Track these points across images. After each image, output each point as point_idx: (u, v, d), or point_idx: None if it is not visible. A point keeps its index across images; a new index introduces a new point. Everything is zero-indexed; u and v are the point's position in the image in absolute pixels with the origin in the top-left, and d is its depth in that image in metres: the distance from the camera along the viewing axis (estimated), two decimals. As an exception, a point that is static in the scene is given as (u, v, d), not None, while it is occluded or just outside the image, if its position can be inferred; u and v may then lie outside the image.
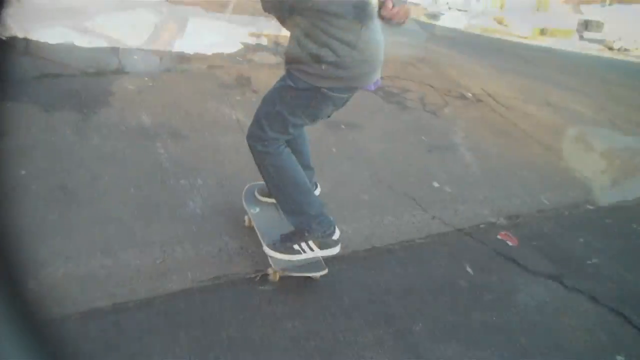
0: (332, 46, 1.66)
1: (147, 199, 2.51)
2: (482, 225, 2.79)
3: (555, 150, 4.32)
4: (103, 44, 4.33)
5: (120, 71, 3.87)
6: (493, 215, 2.93)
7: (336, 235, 2.04)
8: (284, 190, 1.97)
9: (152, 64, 4.14)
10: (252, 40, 5.69)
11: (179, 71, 4.15)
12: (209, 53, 4.78)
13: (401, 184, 3.17)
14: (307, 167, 2.18)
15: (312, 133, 3.59)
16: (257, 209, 2.34)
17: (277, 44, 5.84)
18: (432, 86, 5.17)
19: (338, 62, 1.69)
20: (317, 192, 2.47)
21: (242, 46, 5.28)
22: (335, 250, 2.06)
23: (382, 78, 2.04)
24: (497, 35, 23.99)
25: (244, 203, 2.37)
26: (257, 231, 2.18)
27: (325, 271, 2.05)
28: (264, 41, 5.80)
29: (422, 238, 2.57)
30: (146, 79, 3.85)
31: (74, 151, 2.82)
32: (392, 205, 2.86)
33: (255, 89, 4.13)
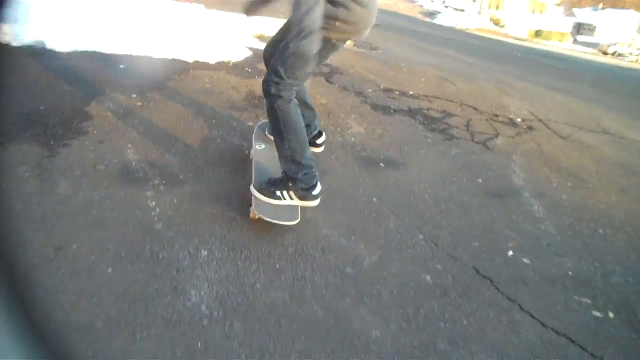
0: (347, 6, 2.02)
1: (130, 287, 1.84)
2: (590, 326, 2.14)
3: (633, 195, 3.71)
4: (80, 47, 3.64)
5: (101, 86, 3.18)
6: (598, 307, 2.27)
7: (317, 190, 2.35)
8: (285, 136, 2.25)
9: (142, 77, 3.46)
10: (260, 45, 5.02)
11: (176, 86, 3.47)
12: (212, 62, 4.11)
13: (466, 251, 2.52)
14: (305, 105, 2.55)
15: (348, 177, 2.95)
16: (263, 146, 2.67)
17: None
18: (476, 109, 4.54)
19: (350, 19, 2.06)
20: (322, 139, 2.82)
21: (251, 53, 4.61)
22: (314, 204, 2.37)
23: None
24: (495, 37, 23.68)
25: (253, 138, 2.70)
26: (253, 169, 2.49)
27: (297, 221, 2.30)
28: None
29: (518, 351, 1.91)
30: (134, 96, 3.18)
31: (31, 205, 2.14)
32: (463, 291, 2.20)
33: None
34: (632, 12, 54.28)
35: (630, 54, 34.34)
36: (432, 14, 33.89)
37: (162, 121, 3.00)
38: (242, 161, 2.80)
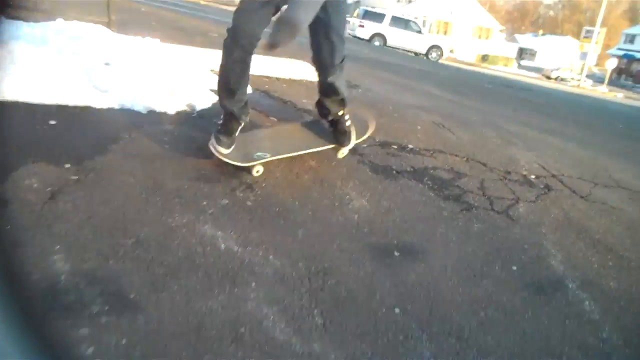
0: None
1: None
2: None
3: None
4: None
5: (23, 152, 2.47)
6: None
7: None
8: None
9: (79, 137, 2.77)
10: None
11: (125, 149, 2.79)
12: (171, 111, 3.44)
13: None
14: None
15: (358, 276, 2.28)
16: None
17: (266, 93, 4.57)
18: (485, 165, 4.05)
19: None
20: None
21: (218, 98, 3.96)
22: None
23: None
24: (448, 62, 24.68)
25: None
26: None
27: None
28: (248, 89, 4.51)
29: None
30: (68, 166, 2.48)
31: None
32: None
33: (252, 180, 2.83)
34: (569, 39, 58.51)
35: (572, 78, 37.03)
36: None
37: (106, 203, 2.30)
38: (218, 262, 2.14)
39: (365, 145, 3.76)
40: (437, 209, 3.14)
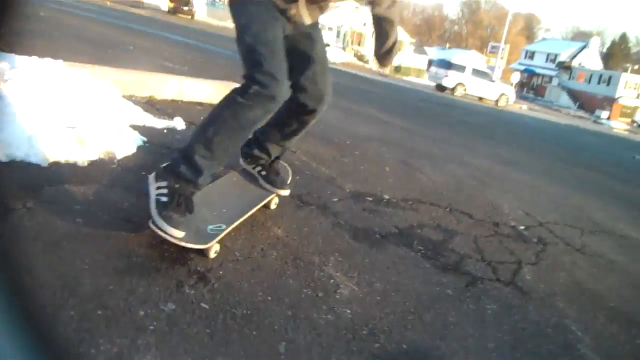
0: None
1: None
2: None
3: None
4: None
5: None
6: None
7: None
8: None
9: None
10: (154, 121, 3.70)
11: (17, 227, 2.04)
12: (82, 161, 2.70)
13: None
14: None
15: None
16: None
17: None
18: (470, 216, 3.63)
19: None
20: None
21: (143, 138, 3.27)
22: None
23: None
24: (366, 74, 25.68)
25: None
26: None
27: None
28: (181, 124, 3.85)
29: None
30: None
31: None
32: None
33: (204, 265, 2.16)
34: (474, 52, 63.57)
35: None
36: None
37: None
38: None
39: (336, 200, 3.19)
40: (440, 286, 2.62)
